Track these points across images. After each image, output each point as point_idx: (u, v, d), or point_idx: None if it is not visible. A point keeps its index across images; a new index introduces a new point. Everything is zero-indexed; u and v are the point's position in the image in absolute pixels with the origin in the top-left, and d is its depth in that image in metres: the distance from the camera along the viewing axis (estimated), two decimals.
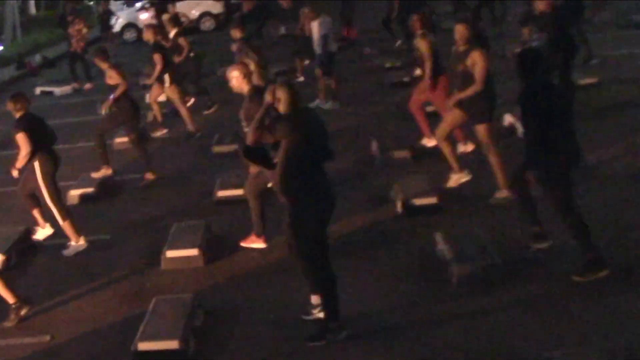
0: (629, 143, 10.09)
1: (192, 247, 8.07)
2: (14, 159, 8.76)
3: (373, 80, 16.13)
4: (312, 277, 6.30)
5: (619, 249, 7.25)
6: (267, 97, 6.18)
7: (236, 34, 13.19)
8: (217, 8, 29.15)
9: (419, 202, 8.68)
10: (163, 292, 7.31)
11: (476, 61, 8.68)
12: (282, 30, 23.00)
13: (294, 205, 6.09)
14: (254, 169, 7.85)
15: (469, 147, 10.34)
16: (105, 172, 10.99)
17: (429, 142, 10.77)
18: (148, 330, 6.35)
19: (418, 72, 12.49)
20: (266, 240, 8.16)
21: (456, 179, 9.37)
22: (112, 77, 11.04)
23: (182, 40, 14.93)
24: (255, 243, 8.20)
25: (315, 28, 14.08)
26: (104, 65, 11.27)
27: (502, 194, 8.59)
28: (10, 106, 8.70)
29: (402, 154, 10.60)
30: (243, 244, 8.25)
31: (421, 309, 6.65)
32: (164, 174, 11.06)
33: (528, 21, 16.69)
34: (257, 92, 7.67)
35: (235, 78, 7.92)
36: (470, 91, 8.75)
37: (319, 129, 6.22)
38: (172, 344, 6.12)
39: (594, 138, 9.94)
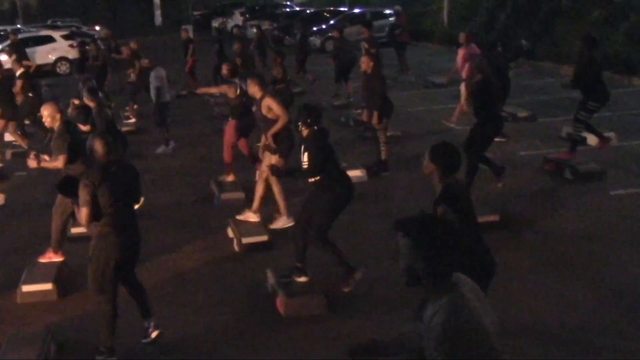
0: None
1: (47, 281, 7.72)
2: None
3: (213, 125, 16.07)
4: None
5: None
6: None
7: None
8: (72, 54, 28.26)
9: (252, 240, 8.69)
10: (18, 327, 6.91)
11: (271, 106, 9.06)
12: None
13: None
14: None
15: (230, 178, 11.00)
16: None
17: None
18: None
19: None
20: (63, 254, 8.14)
21: (283, 222, 9.27)
22: None
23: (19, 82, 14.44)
24: (54, 257, 8.14)
25: (151, 79, 13.95)
26: None
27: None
28: None
29: (237, 194, 10.57)
30: (40, 260, 8.11)
31: (246, 338, 6.60)
32: (23, 208, 10.50)
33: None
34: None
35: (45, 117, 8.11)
36: (273, 130, 9.08)
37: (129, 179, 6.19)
38: None
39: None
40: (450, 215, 4.77)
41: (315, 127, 7.23)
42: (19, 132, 14.09)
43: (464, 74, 13.94)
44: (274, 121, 9.08)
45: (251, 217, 9.29)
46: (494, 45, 16.18)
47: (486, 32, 25.86)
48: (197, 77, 20.65)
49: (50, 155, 8.13)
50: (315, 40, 29.95)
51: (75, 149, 7.86)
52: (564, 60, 20.51)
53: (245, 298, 7.42)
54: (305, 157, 7.11)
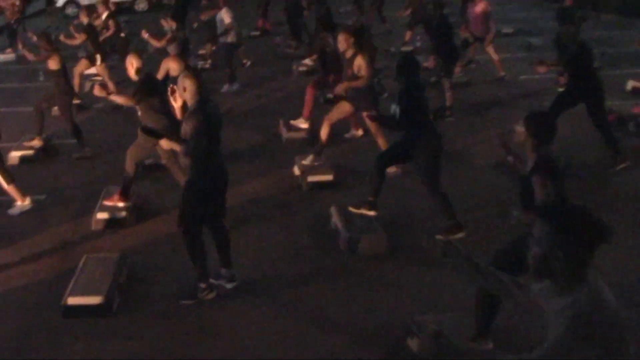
0: (489, 134, 10.18)
1: (121, 209, 7.68)
2: None
3: (282, 67, 15.77)
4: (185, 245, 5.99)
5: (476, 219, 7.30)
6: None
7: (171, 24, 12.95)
8: None
9: (317, 178, 8.49)
10: (92, 251, 6.86)
11: (361, 66, 8.60)
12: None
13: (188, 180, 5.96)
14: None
15: (360, 132, 10.20)
16: (37, 143, 10.05)
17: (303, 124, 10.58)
18: (77, 286, 5.98)
19: None
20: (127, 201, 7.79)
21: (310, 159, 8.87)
22: (53, 62, 9.90)
23: (111, 22, 14.28)
24: (119, 203, 7.76)
25: (218, 19, 13.70)
26: (47, 48, 10.07)
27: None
28: None
29: (302, 133, 10.36)
30: (106, 202, 7.79)
31: (310, 275, 6.44)
32: (97, 143, 10.38)
33: (412, 25, 16.68)
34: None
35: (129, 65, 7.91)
36: (357, 83, 8.68)
37: (217, 119, 5.94)
38: (97, 299, 5.78)
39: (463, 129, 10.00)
40: (549, 186, 4.45)
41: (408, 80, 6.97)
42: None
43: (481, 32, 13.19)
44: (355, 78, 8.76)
45: (311, 159, 8.94)
46: None
47: None
48: (269, 17, 20.31)
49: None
50: None
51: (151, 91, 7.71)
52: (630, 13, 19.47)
53: (309, 233, 7.25)
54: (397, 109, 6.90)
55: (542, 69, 9.49)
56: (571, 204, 2.89)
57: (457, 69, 12.48)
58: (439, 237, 6.89)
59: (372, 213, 7.12)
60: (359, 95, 8.77)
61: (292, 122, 10.76)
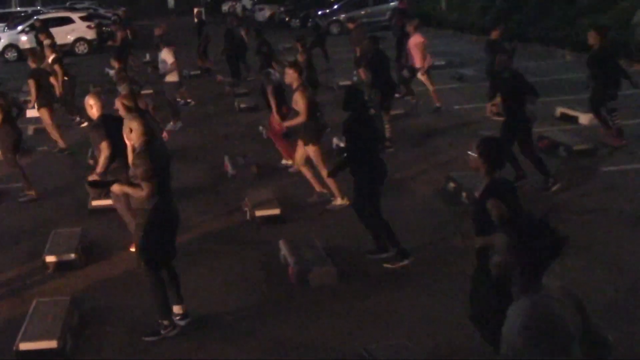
0: (431, 163, 10.46)
1: (69, 252, 7.61)
2: None
3: (224, 105, 15.88)
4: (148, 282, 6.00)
5: (426, 248, 7.46)
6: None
7: (114, 64, 12.88)
8: (90, 34, 28.02)
9: (265, 212, 8.57)
10: (43, 294, 6.79)
11: (297, 100, 8.86)
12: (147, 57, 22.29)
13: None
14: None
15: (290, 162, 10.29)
16: None
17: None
18: (29, 330, 5.89)
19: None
20: None
21: (339, 204, 8.77)
22: None
23: (57, 67, 14.14)
24: None
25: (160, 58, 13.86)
26: None
27: (337, 202, 8.71)
28: None
29: (251, 169, 10.43)
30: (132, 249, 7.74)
31: (263, 308, 6.48)
32: (42, 186, 10.26)
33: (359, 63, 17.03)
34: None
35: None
36: (297, 121, 8.97)
37: (166, 158, 6.04)
38: (51, 344, 5.71)
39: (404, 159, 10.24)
40: (503, 208, 4.60)
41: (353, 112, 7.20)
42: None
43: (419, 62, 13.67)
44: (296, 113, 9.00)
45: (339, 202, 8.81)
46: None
47: (482, 16, 25.56)
48: (209, 57, 20.45)
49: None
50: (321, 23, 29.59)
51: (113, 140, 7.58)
52: (557, 43, 20.27)
53: (260, 266, 7.32)
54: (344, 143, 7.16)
55: (494, 110, 9.95)
56: (528, 216, 3.04)
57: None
58: (386, 265, 7.05)
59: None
60: (304, 129, 8.94)
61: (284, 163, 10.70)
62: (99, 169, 7.51)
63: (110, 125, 7.55)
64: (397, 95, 13.21)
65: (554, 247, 2.89)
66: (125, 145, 6.51)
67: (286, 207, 8.73)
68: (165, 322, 5.96)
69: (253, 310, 6.44)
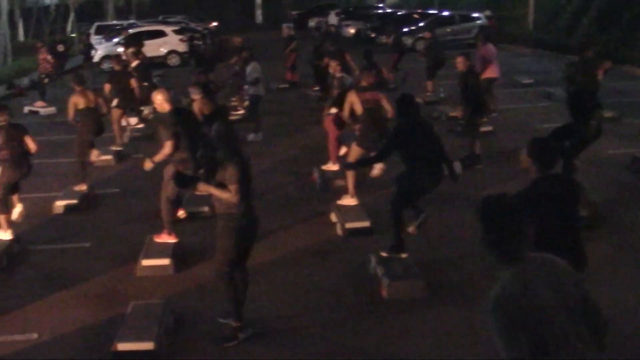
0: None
1: (164, 256, 7.71)
2: None
3: (312, 117, 15.90)
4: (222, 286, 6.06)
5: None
6: None
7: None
8: (181, 47, 28.73)
9: (355, 225, 8.47)
10: (137, 297, 6.88)
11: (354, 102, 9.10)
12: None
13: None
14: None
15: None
16: (80, 188, 10.22)
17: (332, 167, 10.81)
18: (126, 331, 5.97)
19: None
20: (176, 237, 8.06)
21: (347, 200, 9.15)
22: (79, 102, 10.38)
23: (136, 73, 14.54)
24: (168, 239, 8.05)
25: (248, 71, 13.98)
26: (77, 89, 10.54)
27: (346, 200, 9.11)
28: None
29: (340, 181, 10.32)
30: (156, 239, 8.05)
31: (348, 319, 6.38)
32: (138, 188, 10.50)
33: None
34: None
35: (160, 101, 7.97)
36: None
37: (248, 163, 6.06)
38: (148, 345, 5.76)
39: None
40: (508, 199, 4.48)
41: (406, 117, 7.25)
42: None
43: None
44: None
45: (348, 200, 9.09)
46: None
47: (568, 36, 24.87)
48: (297, 71, 20.57)
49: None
50: (407, 40, 29.37)
51: (179, 136, 7.86)
52: None
53: (348, 279, 7.22)
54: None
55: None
56: (492, 198, 3.26)
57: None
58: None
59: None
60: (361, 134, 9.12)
61: (322, 167, 10.80)
62: (156, 158, 7.87)
63: (182, 118, 8.01)
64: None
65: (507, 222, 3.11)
66: (194, 137, 6.70)
67: (375, 219, 8.59)
68: (238, 325, 5.96)
69: (339, 322, 6.35)
